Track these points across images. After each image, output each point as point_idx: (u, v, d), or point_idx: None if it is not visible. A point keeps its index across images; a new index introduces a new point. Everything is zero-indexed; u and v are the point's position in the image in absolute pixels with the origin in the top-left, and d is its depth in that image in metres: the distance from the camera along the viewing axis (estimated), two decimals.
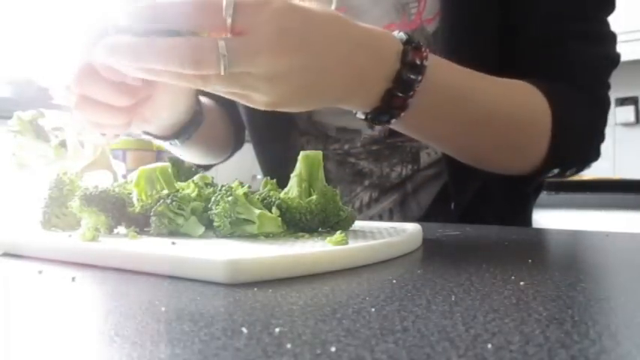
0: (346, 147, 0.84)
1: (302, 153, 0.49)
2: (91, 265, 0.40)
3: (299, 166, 0.48)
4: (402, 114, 0.56)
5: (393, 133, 0.79)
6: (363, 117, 0.58)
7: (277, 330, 0.23)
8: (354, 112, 0.59)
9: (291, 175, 0.49)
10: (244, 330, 0.24)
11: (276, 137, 0.89)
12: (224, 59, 0.45)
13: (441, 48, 0.73)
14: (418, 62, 0.54)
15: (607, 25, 0.74)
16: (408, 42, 0.55)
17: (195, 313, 0.26)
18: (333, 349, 0.21)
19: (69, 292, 0.33)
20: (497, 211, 0.81)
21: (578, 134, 0.71)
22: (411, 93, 0.55)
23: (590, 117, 0.72)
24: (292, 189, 0.48)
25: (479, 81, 0.63)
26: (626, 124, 2.60)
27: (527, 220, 0.88)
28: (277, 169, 0.84)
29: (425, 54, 0.55)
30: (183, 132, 0.73)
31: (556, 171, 0.71)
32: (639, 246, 0.54)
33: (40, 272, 0.37)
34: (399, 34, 0.56)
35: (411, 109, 0.56)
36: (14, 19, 1.72)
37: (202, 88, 0.49)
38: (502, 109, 0.64)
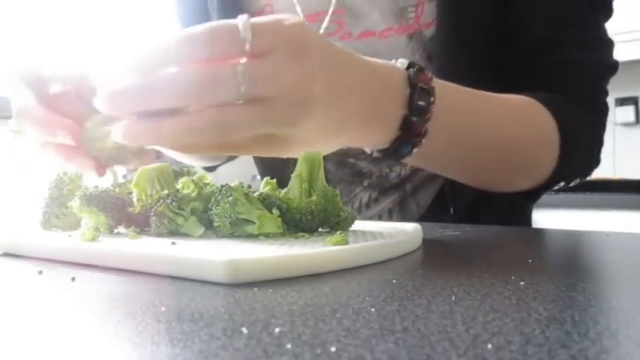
0: (345, 147, 0.84)
1: (302, 153, 0.49)
2: (91, 265, 0.40)
3: (299, 167, 0.48)
4: (423, 141, 0.55)
5: None
6: (380, 155, 0.56)
7: (277, 330, 0.23)
8: (370, 152, 0.58)
9: (292, 176, 0.49)
10: (244, 330, 0.24)
11: None
12: (244, 82, 0.41)
13: (439, 54, 0.73)
14: (425, 85, 0.54)
15: (604, 31, 0.74)
16: (410, 66, 0.54)
17: (195, 313, 0.26)
18: (333, 349, 0.21)
19: (69, 292, 0.33)
20: (498, 211, 0.81)
21: (583, 147, 0.72)
22: (428, 116, 0.54)
23: (591, 127, 0.73)
24: (293, 189, 0.48)
25: (484, 100, 0.62)
26: (626, 124, 2.60)
27: (527, 220, 0.89)
28: (277, 169, 0.83)
29: (430, 75, 0.55)
30: None
31: (562, 184, 0.72)
32: (639, 246, 0.54)
33: (40, 272, 0.37)
34: (400, 61, 0.55)
35: (428, 136, 0.55)
36: (15, 19, 1.72)
37: (224, 139, 0.44)
38: (510, 130, 0.64)
